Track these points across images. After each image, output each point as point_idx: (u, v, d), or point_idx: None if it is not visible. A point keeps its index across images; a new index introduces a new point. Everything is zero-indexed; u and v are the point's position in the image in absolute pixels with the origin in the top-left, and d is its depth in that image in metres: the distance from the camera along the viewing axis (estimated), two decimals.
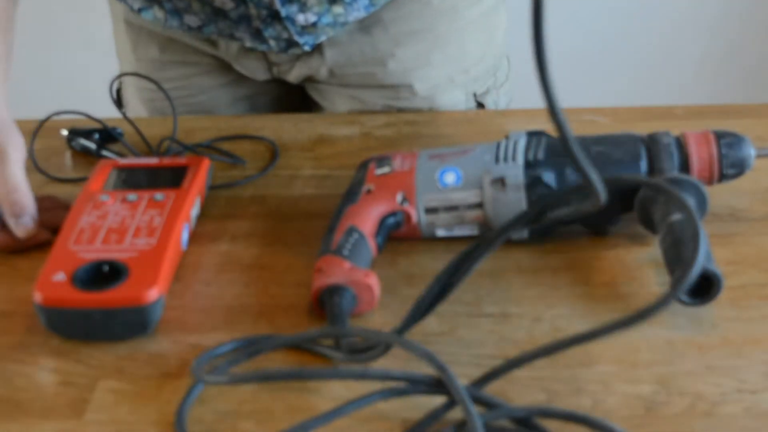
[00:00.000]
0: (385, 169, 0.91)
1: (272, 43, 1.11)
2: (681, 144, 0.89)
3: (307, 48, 1.13)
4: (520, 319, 0.80)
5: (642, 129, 0.92)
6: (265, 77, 1.21)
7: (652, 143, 0.88)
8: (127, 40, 1.23)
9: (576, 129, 1.03)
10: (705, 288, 0.78)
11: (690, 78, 2.35)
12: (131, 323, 0.79)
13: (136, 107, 1.27)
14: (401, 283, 0.85)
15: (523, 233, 0.88)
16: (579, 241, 0.89)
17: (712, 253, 0.80)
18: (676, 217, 0.82)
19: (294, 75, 1.20)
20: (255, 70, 1.20)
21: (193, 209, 0.91)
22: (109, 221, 0.86)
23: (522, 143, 0.89)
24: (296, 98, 1.28)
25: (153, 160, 0.96)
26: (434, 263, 0.87)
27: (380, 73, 1.17)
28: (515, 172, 0.87)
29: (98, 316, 0.78)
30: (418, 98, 1.18)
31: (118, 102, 1.29)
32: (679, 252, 0.79)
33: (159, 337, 0.80)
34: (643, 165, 0.87)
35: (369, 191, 0.89)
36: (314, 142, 1.08)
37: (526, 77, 1.55)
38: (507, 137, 0.90)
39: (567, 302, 0.82)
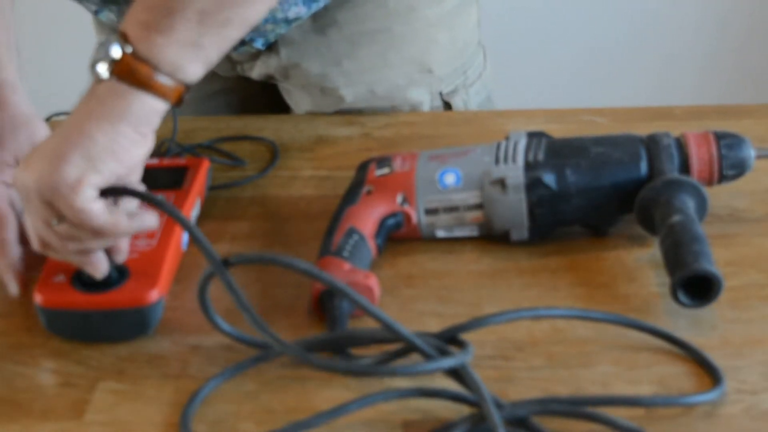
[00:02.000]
0: (385, 170, 0.91)
1: None
2: (681, 145, 0.89)
3: (259, 46, 1.13)
4: (520, 320, 0.79)
5: (642, 129, 0.92)
6: (231, 74, 1.22)
7: (652, 144, 0.88)
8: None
9: (575, 130, 1.03)
10: (705, 289, 0.78)
11: (694, 80, 2.35)
12: (131, 324, 0.79)
13: None
14: (401, 284, 0.85)
15: (523, 234, 0.88)
16: (579, 242, 0.89)
17: (711, 253, 0.80)
18: (676, 218, 0.82)
19: (256, 73, 1.20)
20: (219, 66, 1.19)
21: (193, 210, 0.91)
22: None
23: (522, 144, 0.89)
24: (268, 97, 1.27)
25: (153, 161, 0.96)
26: (434, 264, 0.88)
27: (335, 74, 1.16)
28: (515, 173, 0.87)
29: (98, 318, 0.78)
30: (377, 98, 1.17)
31: None
32: (679, 254, 0.79)
33: (159, 338, 0.80)
34: (643, 166, 0.87)
35: (369, 192, 0.89)
36: (314, 142, 1.08)
37: (525, 77, 1.55)
38: (507, 138, 0.90)
39: (567, 303, 0.82)
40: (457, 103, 1.22)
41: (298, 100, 1.20)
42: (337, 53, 1.15)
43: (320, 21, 1.13)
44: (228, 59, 1.19)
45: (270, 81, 1.21)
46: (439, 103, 1.20)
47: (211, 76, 1.21)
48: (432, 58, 1.19)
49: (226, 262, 0.72)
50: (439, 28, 1.18)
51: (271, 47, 1.15)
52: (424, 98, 1.18)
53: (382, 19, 1.15)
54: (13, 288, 0.84)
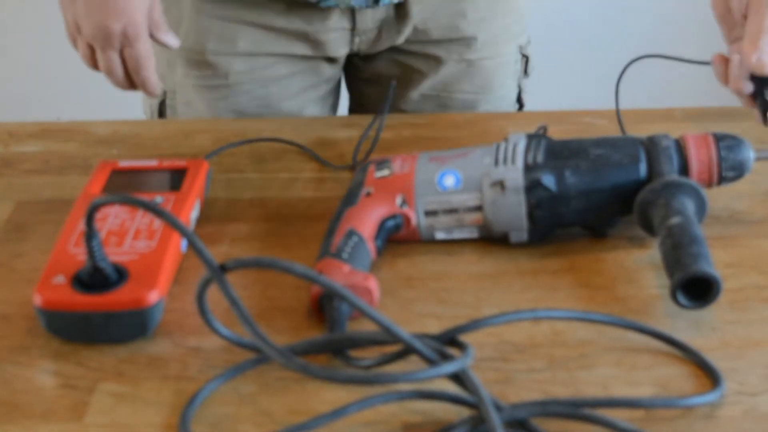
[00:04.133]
0: (385, 172, 0.91)
1: None
2: (680, 147, 0.89)
3: None
4: (520, 322, 0.79)
5: (641, 131, 0.92)
6: (344, 51, 1.24)
7: (651, 146, 0.88)
8: (202, 34, 1.22)
9: (575, 132, 1.03)
10: (704, 291, 0.78)
11: (694, 81, 2.34)
12: (131, 326, 0.79)
13: (196, 112, 1.27)
14: (400, 285, 0.85)
15: (523, 235, 0.88)
16: (578, 244, 0.89)
17: (711, 255, 0.80)
18: (676, 220, 0.82)
19: (379, 45, 1.24)
20: (338, 42, 1.22)
21: (193, 212, 0.91)
22: (109, 224, 0.86)
23: (521, 146, 0.89)
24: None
25: (152, 163, 0.96)
26: (433, 266, 0.88)
27: (462, 25, 1.22)
28: (515, 175, 0.87)
29: (98, 319, 0.78)
30: (483, 48, 1.25)
31: (160, 115, 1.29)
32: (678, 255, 0.79)
33: (159, 339, 0.80)
34: (643, 168, 0.87)
35: (368, 194, 0.89)
36: (314, 144, 1.08)
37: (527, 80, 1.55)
38: (506, 140, 0.90)
39: (567, 304, 0.82)
40: (531, 55, 1.31)
41: (419, 63, 1.25)
42: (461, 6, 1.22)
43: None
44: (350, 33, 1.22)
45: (386, 53, 1.26)
46: (519, 56, 1.29)
47: (312, 71, 1.24)
48: (525, 10, 1.28)
49: (224, 268, 0.71)
50: None
51: (399, 13, 1.20)
52: (512, 50, 1.28)
53: None
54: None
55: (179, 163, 0.96)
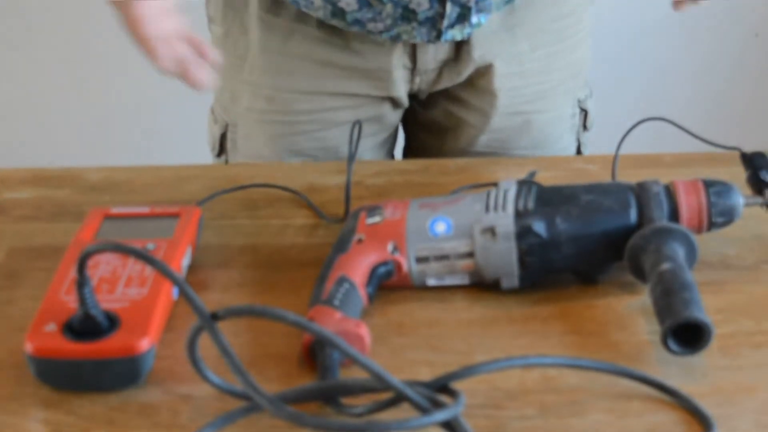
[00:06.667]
0: (376, 219, 0.91)
1: (449, 7, 1.11)
2: (670, 192, 0.89)
3: (467, 31, 1.15)
4: (511, 369, 0.79)
5: (631, 177, 0.93)
6: (405, 90, 1.22)
7: (641, 192, 0.89)
8: (267, 69, 1.22)
9: (566, 177, 1.04)
10: (695, 337, 0.78)
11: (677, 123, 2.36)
12: (122, 373, 0.79)
13: (256, 146, 1.27)
14: (392, 332, 0.85)
15: (514, 282, 0.88)
16: (569, 290, 0.90)
17: (702, 301, 0.80)
18: (666, 266, 0.82)
19: (439, 84, 1.22)
20: (398, 81, 1.21)
21: (184, 259, 0.91)
22: (101, 271, 0.86)
23: (512, 192, 0.89)
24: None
25: (144, 209, 0.97)
26: (425, 312, 0.88)
27: (516, 74, 1.21)
28: (505, 222, 0.87)
29: (89, 367, 0.78)
30: (537, 100, 1.23)
31: (221, 148, 1.30)
32: (669, 301, 0.79)
33: (150, 387, 0.80)
34: (633, 214, 0.87)
35: (360, 240, 0.89)
36: (305, 190, 1.08)
37: None
38: (497, 186, 0.91)
39: (558, 351, 0.82)
40: (590, 108, 1.29)
41: (466, 113, 1.24)
42: (520, 53, 1.20)
43: (509, 20, 1.18)
44: (411, 72, 1.21)
45: (441, 97, 1.25)
46: (577, 109, 1.28)
47: (371, 120, 1.23)
48: (583, 64, 1.27)
49: (215, 316, 0.71)
50: (589, 34, 1.27)
51: (460, 52, 1.19)
52: (568, 103, 1.26)
53: (556, 21, 1.22)
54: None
55: (171, 209, 0.96)
